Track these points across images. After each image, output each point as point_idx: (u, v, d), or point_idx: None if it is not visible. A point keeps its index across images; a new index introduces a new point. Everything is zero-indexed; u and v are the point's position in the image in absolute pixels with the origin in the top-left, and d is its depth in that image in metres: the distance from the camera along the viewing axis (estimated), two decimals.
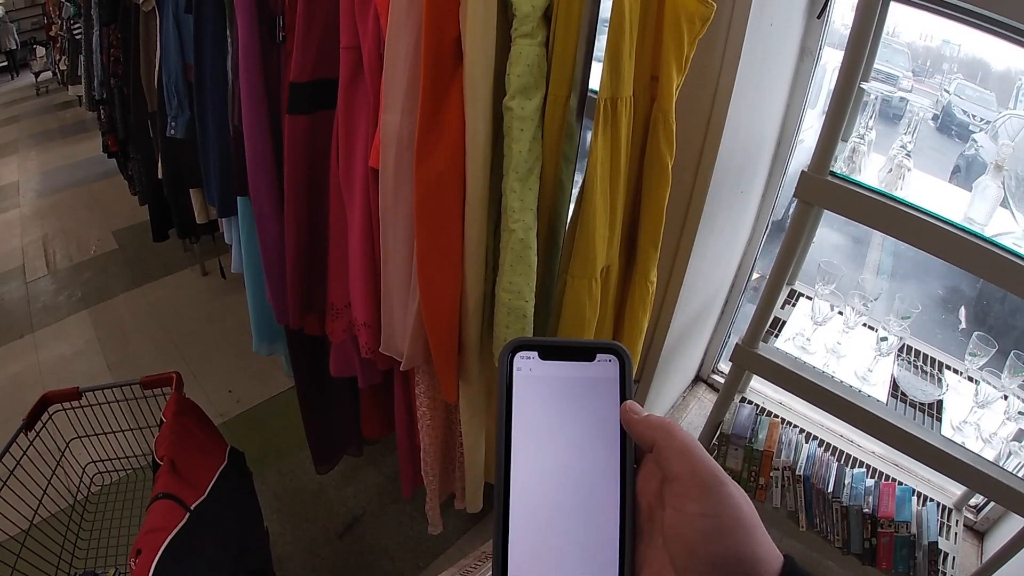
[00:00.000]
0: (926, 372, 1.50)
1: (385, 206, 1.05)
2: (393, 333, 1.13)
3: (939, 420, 1.41)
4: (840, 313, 1.46)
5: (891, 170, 1.29)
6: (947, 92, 3.28)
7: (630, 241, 1.12)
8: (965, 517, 1.73)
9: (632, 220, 1.10)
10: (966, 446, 1.36)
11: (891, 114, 1.69)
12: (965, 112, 3.30)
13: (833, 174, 1.23)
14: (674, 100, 1.00)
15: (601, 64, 0.93)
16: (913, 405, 1.42)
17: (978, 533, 1.77)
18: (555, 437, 0.38)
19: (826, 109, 1.19)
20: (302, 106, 1.14)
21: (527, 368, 0.38)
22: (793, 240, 1.27)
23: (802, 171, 1.22)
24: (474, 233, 1.00)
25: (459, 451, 1.31)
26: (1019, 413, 1.38)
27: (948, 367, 1.55)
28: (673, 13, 0.94)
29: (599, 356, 0.39)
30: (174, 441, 1.18)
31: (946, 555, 1.56)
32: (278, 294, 1.30)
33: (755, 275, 1.75)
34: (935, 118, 3.31)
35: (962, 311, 2.94)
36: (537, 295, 1.04)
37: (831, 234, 3.18)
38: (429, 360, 1.12)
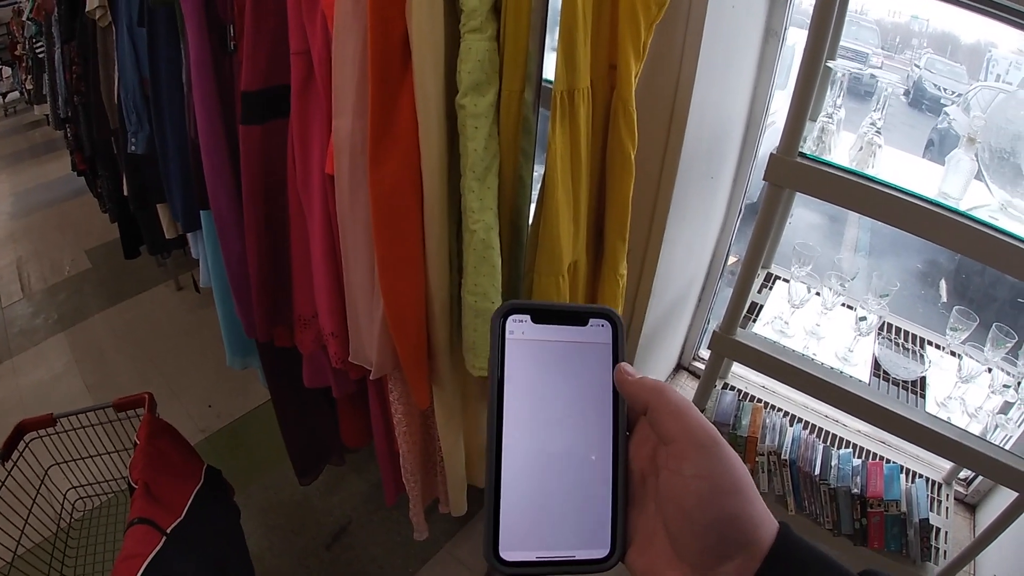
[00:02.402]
0: (908, 349, 1.48)
1: (343, 213, 1.01)
2: (361, 342, 1.10)
3: (923, 397, 1.39)
4: (818, 294, 1.43)
5: (861, 148, 1.26)
6: (917, 67, 3.26)
7: (597, 235, 1.09)
8: (955, 491, 1.71)
9: (598, 213, 1.07)
10: (952, 421, 1.34)
11: (862, 91, 1.66)
12: (936, 86, 3.29)
13: (803, 155, 1.20)
14: (633, 88, 0.97)
15: (555, 55, 0.89)
16: (896, 383, 1.40)
17: (969, 506, 1.76)
18: (547, 400, 0.37)
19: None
20: (256, 115, 1.10)
21: (519, 331, 0.38)
22: (765, 224, 1.25)
23: (771, 153, 1.19)
24: (434, 236, 0.96)
25: (439, 456, 1.28)
26: (1004, 386, 1.37)
27: (930, 343, 1.53)
28: (628, 0, 0.91)
29: (592, 321, 0.38)
30: (148, 464, 1.15)
31: (938, 530, 1.55)
32: (245, 307, 1.26)
33: (731, 259, 1.72)
34: (907, 93, 3.29)
35: (942, 285, 2.92)
36: (504, 295, 1.01)
37: (808, 214, 3.16)
38: (399, 367, 1.09)
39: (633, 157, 1.00)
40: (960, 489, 1.73)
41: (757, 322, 1.45)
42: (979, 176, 1.26)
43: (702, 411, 1.47)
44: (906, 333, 1.54)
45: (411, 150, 0.91)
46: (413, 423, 1.22)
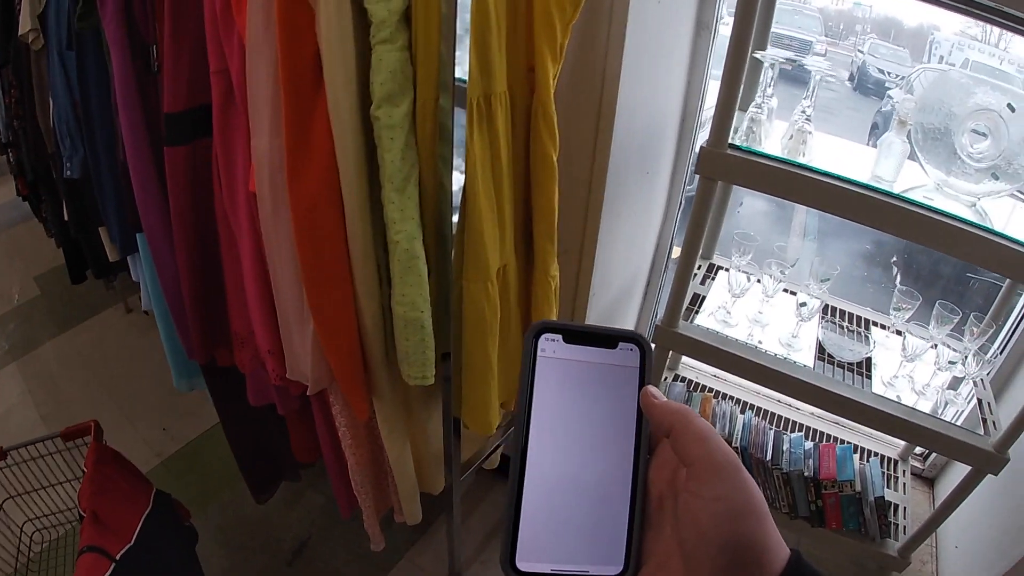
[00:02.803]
0: (853, 331, 1.49)
1: (267, 230, 1.00)
2: (296, 358, 1.09)
3: (869, 378, 1.41)
4: (758, 281, 1.44)
5: (792, 136, 1.27)
6: (861, 52, 3.31)
7: (527, 238, 1.09)
8: (912, 466, 1.74)
9: (525, 216, 1.07)
10: (900, 400, 1.36)
11: (805, 79, 1.68)
12: (880, 70, 3.34)
13: (733, 146, 1.21)
14: (552, 90, 0.97)
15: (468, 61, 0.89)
16: (841, 366, 1.41)
17: (928, 480, 1.79)
18: (573, 419, 0.38)
19: None
20: (180, 136, 1.09)
21: (551, 350, 0.39)
22: (699, 216, 1.26)
23: (700, 147, 1.20)
24: (358, 249, 0.96)
25: (388, 466, 1.27)
26: (949, 362, 1.39)
27: (876, 323, 1.55)
28: (543, 2, 0.91)
29: (621, 344, 0.40)
30: (95, 491, 1.14)
31: (896, 506, 1.57)
32: (183, 329, 1.25)
33: (676, 252, 1.73)
34: (851, 79, 3.34)
35: (894, 267, 2.96)
36: (434, 303, 1.01)
37: (757, 201, 3.20)
38: (335, 381, 1.08)
39: (555, 159, 1.00)
40: (917, 464, 1.76)
41: (701, 313, 1.47)
42: (914, 157, 1.27)
43: None
44: (851, 315, 1.56)
45: (329, 165, 0.90)
46: (358, 435, 1.21)
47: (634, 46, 1.14)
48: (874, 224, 1.23)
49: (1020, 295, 1.59)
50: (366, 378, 1.09)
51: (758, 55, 1.25)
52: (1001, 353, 1.59)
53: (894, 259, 2.90)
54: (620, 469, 0.38)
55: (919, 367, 1.43)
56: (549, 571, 0.36)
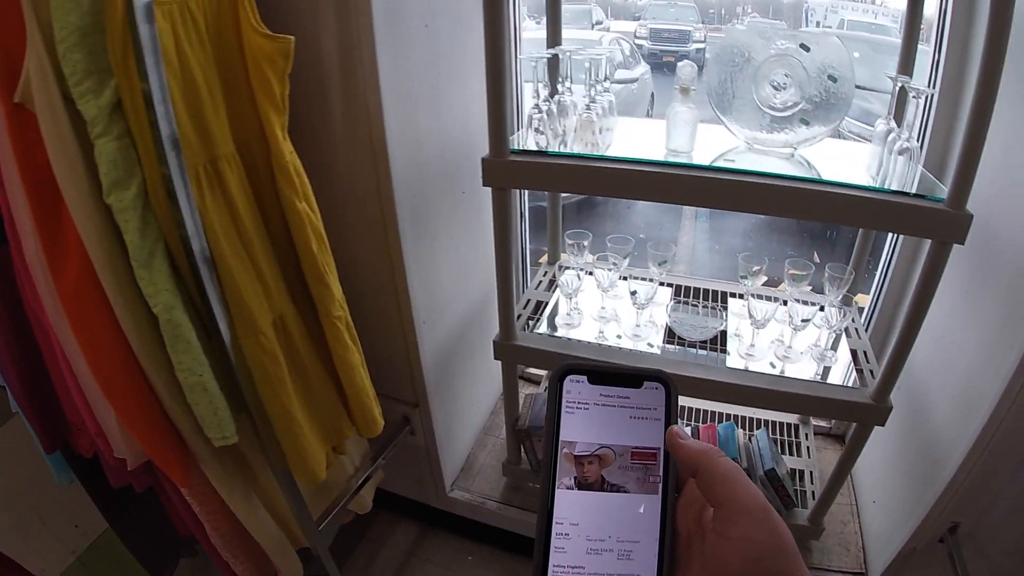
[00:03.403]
0: (709, 308, 1.55)
1: (55, 325, 1.13)
2: (114, 438, 1.21)
3: (725, 352, 1.46)
4: (589, 274, 1.53)
5: (575, 129, 1.36)
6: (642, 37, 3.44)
7: (303, 284, 1.19)
8: (818, 426, 1.77)
9: (296, 265, 1.17)
10: (761, 370, 1.40)
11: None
12: (661, 48, 3.43)
13: (516, 151, 1.29)
14: (282, 140, 1.09)
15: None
16: (693, 345, 1.47)
17: (839, 437, 1.82)
18: (600, 460, 0.42)
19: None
20: None
21: (576, 391, 0.43)
22: (502, 226, 1.34)
23: (482, 159, 1.28)
24: (130, 328, 1.07)
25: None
26: (803, 320, 1.44)
27: (734, 295, 1.61)
28: (253, 59, 1.04)
29: (646, 384, 0.43)
30: None
31: (802, 472, 1.61)
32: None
33: (541, 261, 1.82)
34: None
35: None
36: (220, 361, 1.11)
37: None
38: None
39: (301, 207, 1.12)
40: (823, 424, 1.79)
41: (543, 320, 1.54)
42: (719, 121, 1.33)
43: (515, 421, 1.57)
44: (709, 292, 1.62)
45: (84, 255, 1.02)
46: (205, 502, 1.32)
47: (397, 78, 1.24)
48: (676, 200, 1.30)
49: (884, 239, 1.63)
50: (181, 446, 1.19)
51: (523, 57, 1.34)
52: (877, 302, 1.63)
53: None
54: (648, 507, 0.41)
55: (799, 333, 1.47)
56: None
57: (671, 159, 1.29)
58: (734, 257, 1.54)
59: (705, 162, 1.26)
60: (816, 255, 1.49)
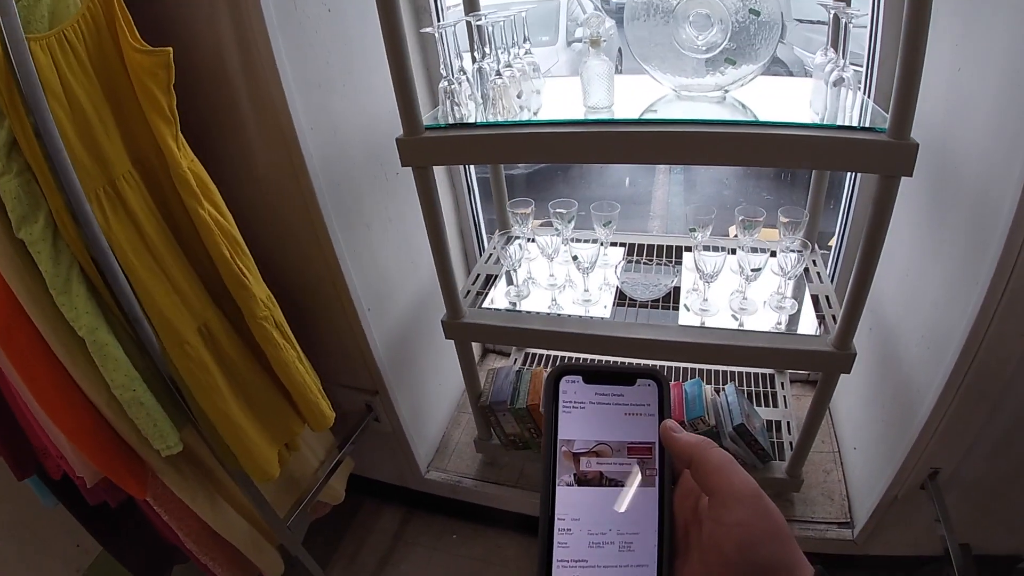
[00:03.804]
0: (660, 265, 1.56)
1: None
2: (71, 458, 1.30)
3: (676, 309, 1.48)
4: (531, 240, 1.56)
5: (492, 98, 1.38)
6: None
7: (225, 290, 1.25)
8: (793, 374, 1.78)
9: (214, 271, 1.23)
10: (709, 325, 1.42)
11: None
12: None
13: (431, 127, 1.31)
14: (176, 151, 1.15)
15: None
16: (644, 305, 1.50)
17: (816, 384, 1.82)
18: (598, 456, 0.45)
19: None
20: None
21: (572, 391, 0.46)
22: (428, 205, 1.38)
23: (396, 138, 1.31)
24: (63, 353, 1.14)
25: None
26: (753, 270, 1.44)
27: (688, 248, 1.62)
28: (135, 75, 1.11)
29: (639, 381, 0.47)
30: None
31: (779, 423, 1.64)
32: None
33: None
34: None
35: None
36: (153, 374, 1.19)
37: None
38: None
39: (204, 214, 1.17)
40: (801, 372, 1.80)
41: (501, 293, 1.59)
42: (643, 71, 1.33)
43: (478, 397, 1.62)
44: (663, 248, 1.64)
45: (8, 291, 1.10)
46: (171, 509, 1.41)
47: (304, 66, 1.29)
48: (602, 159, 1.32)
49: (843, 178, 1.61)
50: (133, 459, 1.28)
51: (427, 31, 1.36)
52: (842, 244, 1.63)
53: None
54: (647, 501, 0.44)
55: (753, 283, 1.48)
56: None
57: (591, 116, 1.30)
58: (714, 207, 1.54)
59: (630, 116, 1.26)
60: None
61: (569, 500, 0.44)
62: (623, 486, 0.45)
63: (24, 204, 1.03)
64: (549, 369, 1.80)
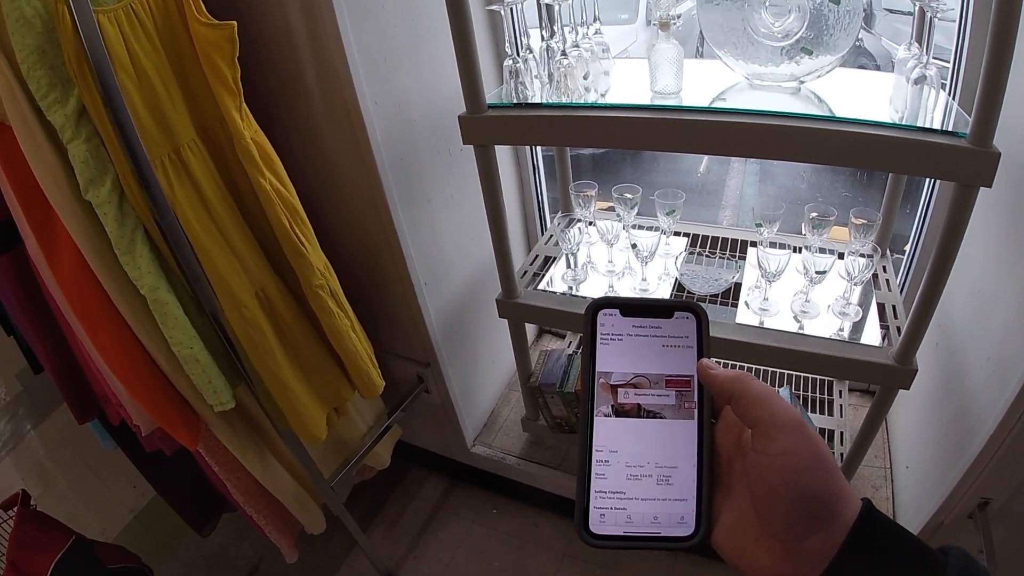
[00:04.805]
0: (723, 259, 1.55)
1: (66, 312, 1.31)
2: (129, 406, 1.40)
3: (735, 306, 1.47)
4: (591, 224, 1.55)
5: (559, 80, 1.37)
6: None
7: (283, 257, 1.31)
8: (852, 383, 1.74)
9: (273, 238, 1.29)
10: (768, 326, 1.40)
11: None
12: None
13: (493, 106, 1.32)
14: (239, 121, 1.19)
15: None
16: (703, 299, 1.49)
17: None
18: (636, 389, 0.46)
19: None
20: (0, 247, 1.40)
21: (610, 324, 0.47)
22: (488, 182, 1.40)
23: (459, 116, 1.32)
24: (125, 309, 1.22)
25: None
26: (818, 272, 1.41)
27: (753, 244, 1.59)
28: (201, 48, 1.15)
29: (677, 314, 0.47)
30: (16, 545, 1.52)
31: (832, 432, 1.62)
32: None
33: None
34: None
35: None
36: (211, 333, 1.27)
37: None
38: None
39: (266, 183, 1.22)
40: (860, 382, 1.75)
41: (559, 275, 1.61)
42: (715, 56, 1.30)
43: (528, 377, 1.65)
44: (729, 242, 1.61)
45: (76, 249, 1.18)
46: (222, 461, 1.50)
47: (369, 40, 1.31)
48: (666, 146, 1.31)
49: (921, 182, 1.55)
50: (187, 412, 1.37)
51: (493, 8, 1.36)
52: (915, 251, 1.57)
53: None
54: (685, 434, 0.45)
55: (817, 286, 1.44)
56: (622, 533, 0.43)
57: (658, 102, 1.28)
58: (785, 202, 1.51)
59: (698, 103, 1.23)
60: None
61: (607, 431, 0.44)
62: (661, 418, 0.45)
63: (92, 168, 1.09)
64: None
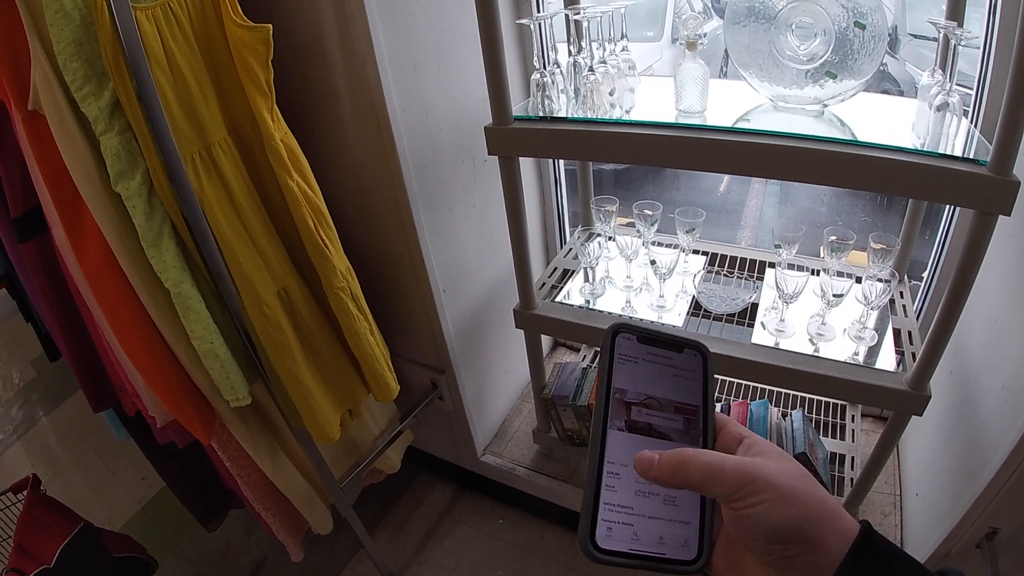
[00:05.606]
0: (741, 279, 1.57)
1: (88, 301, 1.35)
2: (145, 397, 1.43)
3: (751, 326, 1.49)
4: (610, 239, 1.58)
5: (585, 95, 1.41)
6: None
7: (306, 258, 1.35)
8: (866, 408, 1.75)
9: (298, 239, 1.33)
10: (783, 347, 1.42)
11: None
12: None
13: (521, 118, 1.35)
14: (270, 123, 1.23)
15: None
16: (719, 318, 1.51)
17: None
18: (646, 410, 0.48)
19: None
20: (27, 233, 1.45)
21: (627, 346, 0.49)
22: (512, 196, 1.42)
23: (485, 127, 1.36)
24: (148, 301, 1.26)
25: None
26: (835, 295, 1.44)
27: (771, 265, 1.61)
28: (236, 49, 1.19)
29: (686, 349, 0.51)
30: (24, 529, 1.56)
31: (843, 457, 1.63)
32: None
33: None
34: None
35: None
36: (232, 329, 1.30)
37: None
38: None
39: (293, 184, 1.26)
40: (874, 407, 1.77)
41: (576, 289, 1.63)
42: (739, 76, 1.33)
43: (542, 389, 1.68)
44: (746, 262, 1.64)
45: (103, 240, 1.22)
46: (234, 457, 1.53)
47: (400, 48, 1.35)
48: (688, 165, 1.32)
49: (940, 207, 1.57)
50: (203, 406, 1.40)
51: (523, 22, 1.40)
52: (933, 277, 1.59)
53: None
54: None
55: (834, 308, 1.46)
56: (627, 550, 0.43)
57: (682, 121, 1.31)
58: (804, 225, 1.53)
59: (722, 123, 1.26)
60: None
61: (619, 445, 0.46)
62: (670, 440, 0.47)
63: (123, 161, 1.13)
64: None
